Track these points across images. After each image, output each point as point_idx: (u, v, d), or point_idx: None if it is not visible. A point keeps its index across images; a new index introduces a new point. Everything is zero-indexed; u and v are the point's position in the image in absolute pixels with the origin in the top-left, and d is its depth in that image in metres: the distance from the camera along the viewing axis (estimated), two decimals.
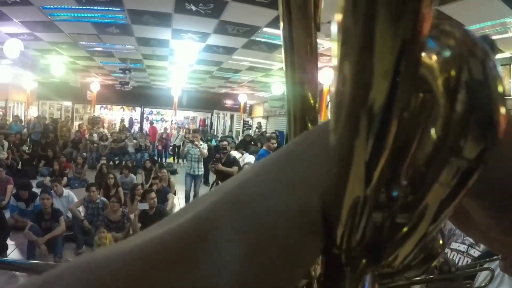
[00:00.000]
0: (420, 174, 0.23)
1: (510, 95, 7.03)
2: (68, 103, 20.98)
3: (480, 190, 0.27)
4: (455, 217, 0.33)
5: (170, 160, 17.52)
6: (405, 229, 0.24)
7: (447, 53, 0.20)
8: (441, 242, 0.33)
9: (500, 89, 0.19)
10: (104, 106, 22.04)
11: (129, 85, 16.37)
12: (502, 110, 0.19)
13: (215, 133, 23.07)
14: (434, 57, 0.20)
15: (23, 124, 17.07)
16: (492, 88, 0.19)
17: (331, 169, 0.22)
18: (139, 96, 20.82)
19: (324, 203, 0.24)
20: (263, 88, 17.94)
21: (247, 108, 24.03)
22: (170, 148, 18.12)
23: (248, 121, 25.08)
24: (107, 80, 18.82)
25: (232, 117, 24.89)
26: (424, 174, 0.22)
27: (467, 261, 4.83)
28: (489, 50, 0.20)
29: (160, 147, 17.72)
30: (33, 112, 19.44)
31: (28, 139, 15.62)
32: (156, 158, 16.12)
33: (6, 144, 12.37)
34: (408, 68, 0.18)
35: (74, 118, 20.55)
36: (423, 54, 0.19)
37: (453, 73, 0.19)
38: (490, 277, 1.69)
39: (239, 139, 17.74)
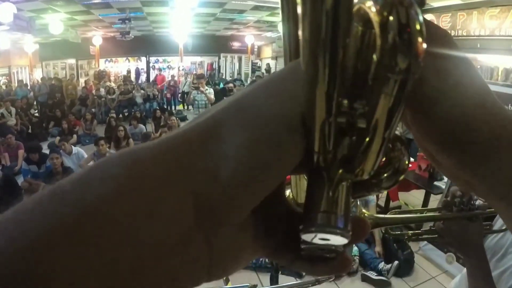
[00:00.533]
0: (371, 89, 0.30)
1: None
2: (72, 61, 20.73)
3: (430, 131, 0.36)
4: (431, 160, 0.42)
5: (180, 107, 17.38)
6: (367, 139, 0.31)
7: (383, 2, 0.27)
8: (406, 162, 0.39)
9: (418, 27, 0.27)
10: (108, 59, 21.78)
11: (130, 34, 16.15)
12: (419, 39, 0.27)
13: (223, 77, 22.82)
14: (376, 6, 0.27)
15: (29, 87, 16.96)
16: (412, 26, 0.27)
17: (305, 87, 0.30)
18: (143, 45, 20.62)
19: (303, 112, 0.31)
20: (270, 28, 17.66)
21: (255, 49, 23.65)
22: (179, 95, 17.99)
23: (256, 63, 24.61)
24: (109, 32, 18.54)
25: (240, 59, 24.49)
26: (373, 89, 0.29)
27: (479, 203, 4.75)
28: (415, 2, 0.27)
29: (168, 95, 17.63)
30: (37, 75, 19.25)
31: (35, 102, 15.53)
32: (165, 106, 16.00)
33: (13, 110, 12.37)
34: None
35: (79, 75, 20.33)
36: (370, 3, 0.28)
37: (385, 15, 0.27)
38: None
39: (249, 82, 17.47)
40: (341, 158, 0.33)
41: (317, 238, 0.33)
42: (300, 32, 0.28)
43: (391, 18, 0.26)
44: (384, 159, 0.37)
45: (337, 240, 0.33)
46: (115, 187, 0.26)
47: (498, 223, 1.58)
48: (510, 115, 0.35)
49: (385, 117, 0.30)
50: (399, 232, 1.75)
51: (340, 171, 0.33)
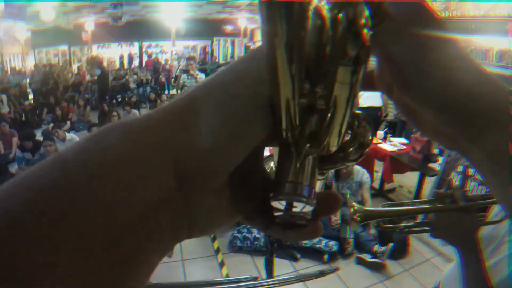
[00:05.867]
0: (327, 77, 0.33)
1: None
2: (65, 47, 20.46)
3: (417, 96, 0.38)
4: (413, 120, 0.44)
5: (174, 92, 17.04)
6: (328, 116, 0.35)
7: (334, 2, 0.30)
8: (370, 137, 0.44)
9: (363, 21, 0.30)
10: (101, 45, 21.53)
11: (122, 19, 16.01)
12: (363, 32, 0.30)
13: (216, 60, 22.67)
14: (327, 7, 0.30)
15: (26, 75, 16.80)
16: (356, 24, 0.30)
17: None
18: (136, 30, 20.32)
19: (271, 92, 0.35)
20: None
21: (248, 32, 23.48)
22: (173, 79, 17.72)
23: (250, 46, 24.29)
24: (101, 18, 18.30)
25: (233, 43, 24.22)
26: (329, 76, 0.32)
27: (474, 185, 4.76)
28: (360, 5, 0.30)
29: (163, 79, 17.42)
30: (30, 62, 18.99)
31: (29, 90, 15.39)
32: (159, 91, 15.95)
33: (5, 98, 12.24)
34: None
35: (72, 61, 20.12)
36: (324, 5, 0.31)
37: (335, 12, 0.30)
38: None
39: None
40: (308, 135, 0.36)
41: (285, 205, 0.37)
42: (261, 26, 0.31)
43: (340, 15, 0.30)
44: (350, 135, 0.43)
45: (303, 207, 0.37)
46: (113, 155, 0.31)
47: (493, 212, 1.56)
48: (501, 88, 0.37)
49: (341, 100, 0.34)
50: (391, 225, 1.74)
51: (307, 146, 0.37)
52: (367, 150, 0.44)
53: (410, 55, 0.37)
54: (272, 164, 0.49)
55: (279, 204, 0.37)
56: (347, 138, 0.43)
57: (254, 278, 2.65)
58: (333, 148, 0.38)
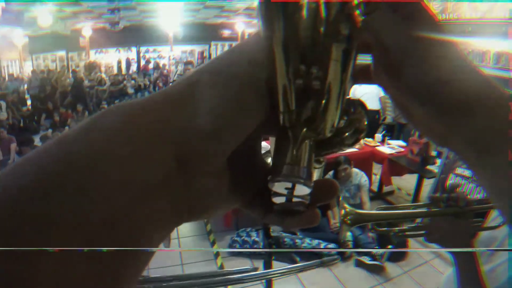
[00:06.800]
0: (321, 56, 0.35)
1: None
2: (62, 53, 20.35)
3: (400, 88, 0.39)
4: (406, 114, 0.44)
5: None
6: (324, 97, 0.36)
7: None
8: (365, 123, 0.46)
9: (355, 2, 0.33)
10: (98, 51, 21.47)
11: (119, 25, 15.99)
12: (355, 13, 0.32)
13: None
14: None
15: (24, 81, 16.79)
16: (349, 5, 0.32)
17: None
18: (133, 35, 20.22)
19: (268, 76, 0.36)
20: None
21: (246, 37, 23.42)
22: (171, 85, 17.53)
23: None
24: (98, 23, 18.28)
25: (231, 47, 24.14)
26: (323, 55, 0.34)
27: (472, 187, 4.74)
28: None
29: (161, 84, 17.37)
30: (28, 68, 18.92)
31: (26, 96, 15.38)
32: None
33: (3, 104, 12.23)
34: None
35: (70, 67, 20.02)
36: None
37: None
38: None
39: None
40: (305, 119, 0.37)
41: (284, 188, 0.38)
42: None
43: None
44: (346, 120, 0.44)
45: (301, 189, 0.38)
46: (111, 135, 0.32)
47: (491, 217, 1.54)
48: (486, 80, 0.38)
49: (335, 79, 0.35)
50: (385, 229, 1.73)
51: (304, 130, 0.38)
52: (362, 135, 0.46)
53: (400, 45, 0.38)
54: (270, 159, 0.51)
55: (277, 187, 0.38)
56: (343, 123, 0.45)
57: (254, 268, 2.64)
58: (329, 132, 0.39)
